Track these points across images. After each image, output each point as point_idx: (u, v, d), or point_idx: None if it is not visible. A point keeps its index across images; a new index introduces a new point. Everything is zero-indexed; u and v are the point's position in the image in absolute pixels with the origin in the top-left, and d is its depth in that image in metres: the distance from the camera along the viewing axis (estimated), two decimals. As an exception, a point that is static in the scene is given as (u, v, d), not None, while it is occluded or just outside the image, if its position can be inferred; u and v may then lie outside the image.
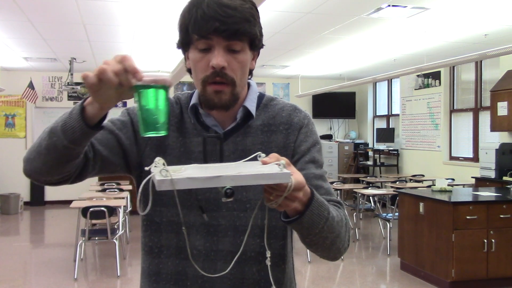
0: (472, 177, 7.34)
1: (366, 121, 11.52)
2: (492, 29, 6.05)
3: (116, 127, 1.17)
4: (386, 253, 6.16)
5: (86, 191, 6.76)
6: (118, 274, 5.16)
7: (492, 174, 6.89)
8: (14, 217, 9.03)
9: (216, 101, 1.10)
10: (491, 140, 7.54)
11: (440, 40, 6.74)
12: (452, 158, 8.72)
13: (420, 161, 9.40)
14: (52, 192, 10.01)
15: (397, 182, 7.58)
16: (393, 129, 10.29)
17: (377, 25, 5.89)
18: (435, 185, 5.51)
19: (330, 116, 11.52)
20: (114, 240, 5.23)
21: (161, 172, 0.86)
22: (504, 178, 6.59)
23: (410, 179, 8.49)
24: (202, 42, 1.07)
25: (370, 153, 10.78)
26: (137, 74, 0.91)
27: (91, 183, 7.53)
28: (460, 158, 8.49)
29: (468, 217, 4.61)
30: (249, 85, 1.21)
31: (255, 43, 1.12)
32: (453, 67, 8.60)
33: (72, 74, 8.52)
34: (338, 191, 7.86)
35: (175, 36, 1.15)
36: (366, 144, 11.22)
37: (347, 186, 7.82)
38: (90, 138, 1.02)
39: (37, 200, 9.99)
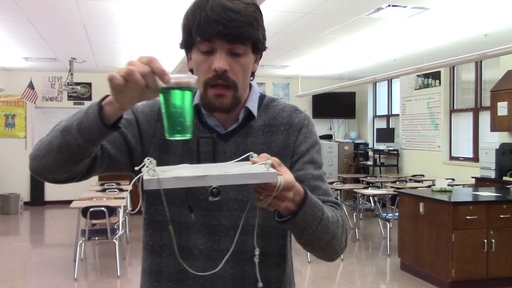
0: (472, 177, 7.34)
1: (366, 121, 11.52)
2: (492, 29, 6.05)
3: (122, 125, 1.17)
4: (386, 253, 6.16)
5: (86, 191, 6.76)
6: (118, 274, 5.16)
7: (492, 174, 6.90)
8: (14, 217, 9.02)
9: (217, 105, 1.11)
10: (491, 140, 7.55)
11: (440, 40, 6.74)
12: (452, 158, 8.73)
13: (420, 161, 9.40)
14: (52, 192, 10.01)
15: (397, 182, 7.58)
16: (393, 129, 10.29)
17: (377, 25, 5.89)
18: (435, 185, 5.51)
19: (330, 116, 11.52)
20: (114, 240, 5.24)
21: (148, 171, 0.87)
22: (504, 178, 6.59)
23: (410, 179, 8.49)
24: (205, 44, 1.07)
25: (370, 153, 10.78)
26: (165, 76, 0.89)
27: (91, 183, 7.52)
28: (460, 158, 8.49)
29: (468, 217, 4.62)
30: (250, 86, 1.22)
31: (258, 47, 1.13)
32: (453, 67, 8.60)
33: (72, 74, 8.52)
34: (338, 191, 7.86)
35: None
36: (366, 144, 11.22)
37: (347, 186, 7.81)
38: (105, 138, 1.02)
39: (37, 200, 9.99)
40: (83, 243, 5.47)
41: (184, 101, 0.93)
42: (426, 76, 9.15)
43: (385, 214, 6.71)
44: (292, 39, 6.71)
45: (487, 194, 5.26)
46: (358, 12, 5.34)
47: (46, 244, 7.12)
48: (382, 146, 10.35)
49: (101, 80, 10.26)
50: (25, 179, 9.92)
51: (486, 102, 7.80)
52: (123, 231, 6.03)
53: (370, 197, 7.81)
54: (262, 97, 1.25)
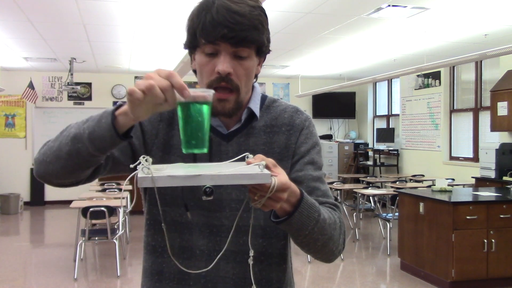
0: (472, 177, 7.34)
1: (366, 121, 11.52)
2: (492, 29, 6.05)
3: None
4: (386, 253, 6.16)
5: (86, 191, 6.76)
6: (118, 274, 5.16)
7: (492, 174, 6.90)
8: (14, 217, 9.02)
9: (219, 109, 1.11)
10: (491, 140, 7.55)
11: (440, 40, 6.74)
12: (452, 158, 8.73)
13: (420, 161, 9.40)
14: (52, 192, 10.00)
15: (397, 182, 7.58)
16: (393, 129, 10.29)
17: (377, 25, 5.89)
18: (435, 185, 5.52)
19: (330, 116, 11.52)
20: (114, 240, 5.23)
21: (143, 169, 0.88)
22: (504, 178, 6.59)
23: (410, 179, 8.49)
24: (209, 47, 1.07)
25: (370, 153, 10.78)
26: (185, 92, 0.89)
27: (91, 183, 7.50)
28: (460, 158, 8.49)
29: (468, 217, 4.62)
30: (253, 87, 1.22)
31: (262, 50, 1.13)
32: (453, 67, 8.60)
33: (72, 74, 8.52)
34: (338, 191, 7.87)
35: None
36: (366, 144, 11.22)
37: (347, 186, 7.81)
38: (116, 147, 1.02)
39: (37, 200, 9.99)
40: (83, 243, 5.47)
41: (202, 115, 0.94)
42: (426, 76, 9.15)
43: (385, 214, 6.71)
44: (292, 39, 6.71)
45: (487, 194, 5.26)
46: (358, 12, 5.34)
47: (46, 244, 7.12)
48: (382, 146, 10.35)
49: (101, 80, 10.27)
50: (25, 179, 9.92)
51: (486, 102, 7.81)
52: (123, 231, 6.03)
53: (370, 197, 7.81)
54: (263, 97, 1.25)
